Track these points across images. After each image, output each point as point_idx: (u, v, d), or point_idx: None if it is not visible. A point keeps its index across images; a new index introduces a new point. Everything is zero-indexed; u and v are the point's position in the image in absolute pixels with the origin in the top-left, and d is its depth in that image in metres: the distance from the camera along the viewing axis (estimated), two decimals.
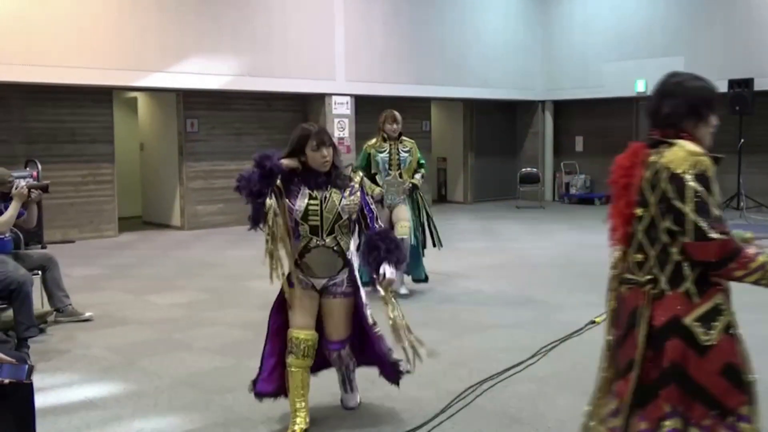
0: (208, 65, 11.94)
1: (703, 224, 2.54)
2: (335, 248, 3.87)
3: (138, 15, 11.16)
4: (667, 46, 14.78)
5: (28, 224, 6.42)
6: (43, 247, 9.69)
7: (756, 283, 2.62)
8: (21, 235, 6.70)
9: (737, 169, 13.87)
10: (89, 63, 10.70)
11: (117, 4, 10.98)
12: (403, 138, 7.42)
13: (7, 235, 5.95)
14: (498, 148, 17.40)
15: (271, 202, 3.69)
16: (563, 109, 17.39)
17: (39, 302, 6.43)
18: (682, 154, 2.64)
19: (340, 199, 3.84)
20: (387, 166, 7.24)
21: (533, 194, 16.63)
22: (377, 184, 7.21)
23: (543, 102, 17.22)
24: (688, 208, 2.57)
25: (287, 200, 3.80)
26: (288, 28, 12.75)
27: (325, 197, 3.82)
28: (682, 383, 2.64)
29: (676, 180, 2.62)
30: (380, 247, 3.83)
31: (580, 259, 9.59)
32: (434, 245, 7.61)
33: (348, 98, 13.67)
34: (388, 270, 3.83)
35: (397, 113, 7.39)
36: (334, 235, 3.85)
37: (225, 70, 12.15)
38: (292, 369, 3.84)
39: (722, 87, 13.73)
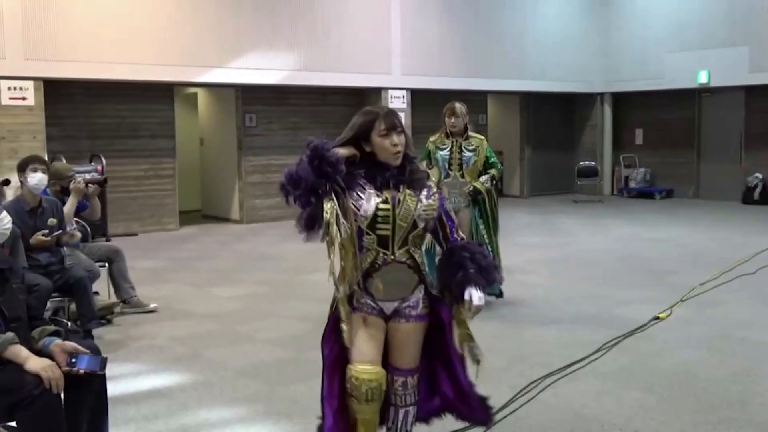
0: (265, 61, 12.04)
1: None
2: (409, 263, 3.06)
3: (197, 12, 11.30)
4: (730, 36, 14.43)
5: (92, 217, 6.58)
6: (108, 240, 9.90)
7: None
8: (88, 229, 6.82)
9: None
10: (150, 60, 10.88)
11: (176, 2, 11.13)
12: (470, 134, 6.58)
13: (71, 227, 6.06)
14: (555, 142, 17.20)
15: (332, 203, 2.84)
16: (622, 101, 17.12)
17: (106, 293, 6.62)
18: None
19: (416, 203, 2.98)
20: (447, 165, 6.47)
21: (591, 188, 16.42)
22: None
23: (602, 94, 16.96)
24: None
25: (350, 203, 2.94)
26: (344, 22, 12.78)
27: (398, 200, 2.97)
28: None
29: None
30: (468, 265, 3.00)
31: (640, 254, 9.46)
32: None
33: (404, 92, 13.66)
34: (476, 295, 2.96)
35: (459, 105, 6.46)
36: (406, 248, 3.04)
37: (282, 65, 12.24)
38: (358, 416, 3.04)
39: None
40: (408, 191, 2.98)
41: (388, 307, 3.05)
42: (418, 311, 3.07)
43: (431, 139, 6.71)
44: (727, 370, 4.92)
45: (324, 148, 2.83)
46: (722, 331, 5.85)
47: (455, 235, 3.15)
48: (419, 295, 3.09)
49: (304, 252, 9.81)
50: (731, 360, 5.16)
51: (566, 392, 4.48)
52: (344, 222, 2.85)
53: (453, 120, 6.42)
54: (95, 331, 5.81)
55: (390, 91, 13.51)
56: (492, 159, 6.63)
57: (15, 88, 10.02)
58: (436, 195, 3.09)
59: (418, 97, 13.84)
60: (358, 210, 2.91)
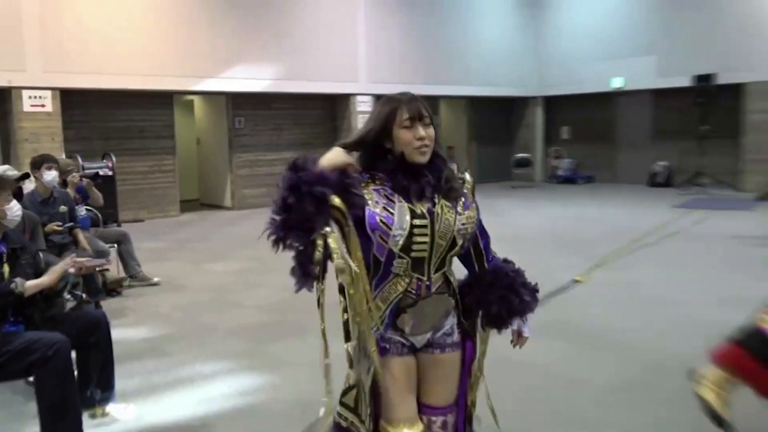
0: (251, 71, 11.97)
1: None
2: (447, 291, 2.11)
3: (193, 30, 11.20)
4: (640, 47, 14.60)
5: (96, 204, 6.55)
6: (119, 225, 9.79)
7: None
8: (99, 216, 6.78)
9: (701, 151, 13.74)
10: (152, 72, 10.80)
11: (175, 22, 11.02)
12: None
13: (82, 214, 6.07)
14: (496, 137, 17.29)
15: (332, 238, 1.84)
16: (552, 103, 17.24)
17: (115, 270, 6.56)
18: None
19: (455, 216, 2.02)
20: None
21: (526, 176, 16.56)
22: None
23: (534, 98, 17.07)
24: None
25: (369, 216, 1.94)
26: (318, 39, 12.72)
27: (436, 213, 1.99)
28: None
29: None
30: (515, 292, 2.16)
31: (565, 228, 9.59)
32: None
33: (369, 97, 13.63)
34: (525, 328, 2.21)
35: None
36: (443, 271, 2.07)
37: (266, 75, 12.17)
38: None
39: (688, 82, 13.61)
40: (444, 202, 2.01)
41: (420, 339, 2.09)
42: (454, 338, 2.15)
43: None
44: (634, 322, 5.04)
45: (301, 177, 1.83)
46: (629, 291, 5.98)
47: (491, 254, 2.26)
48: (453, 320, 2.15)
49: None
50: (637, 313, 5.28)
51: (501, 344, 4.53)
52: (349, 261, 1.86)
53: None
54: (108, 301, 5.81)
55: (357, 96, 13.50)
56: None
57: (35, 97, 9.88)
58: (474, 205, 2.14)
59: None
60: (389, 228, 1.92)
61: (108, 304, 5.71)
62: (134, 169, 11.55)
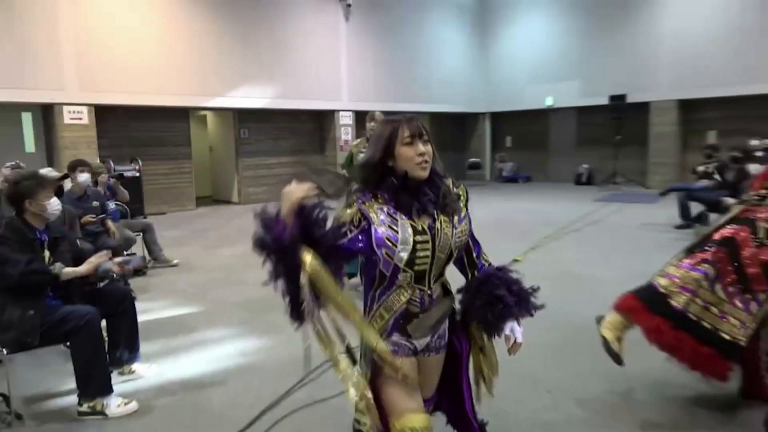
0: (253, 91, 11.83)
1: None
2: (446, 297, 1.94)
3: (204, 57, 11.04)
4: (567, 73, 14.70)
5: (122, 199, 6.45)
6: (144, 217, 9.64)
7: None
8: (128, 209, 6.66)
9: (615, 156, 13.91)
10: (172, 91, 10.62)
11: (190, 50, 10.84)
12: None
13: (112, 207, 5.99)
14: (453, 145, 17.30)
15: (312, 267, 1.65)
16: (497, 117, 17.29)
17: (141, 253, 6.46)
18: None
19: (452, 230, 1.84)
20: None
21: (477, 176, 16.63)
22: None
23: (484, 113, 17.13)
24: None
25: (375, 235, 1.75)
26: (308, 64, 12.59)
27: (435, 228, 1.81)
28: (732, 252, 2.57)
29: None
30: (506, 297, 1.92)
31: (508, 218, 9.62)
32: None
33: (350, 113, 13.57)
34: (518, 331, 1.93)
35: (378, 112, 5.02)
36: (441, 280, 1.91)
37: (265, 94, 12.02)
38: None
39: (605, 101, 13.74)
40: (443, 217, 1.81)
41: (422, 342, 1.92)
42: (444, 341, 1.97)
43: (353, 143, 5.42)
44: (563, 293, 5.06)
45: (268, 245, 1.69)
46: (559, 268, 6.00)
47: (482, 261, 2.02)
48: (446, 324, 1.97)
49: None
50: (564, 287, 5.31)
51: None
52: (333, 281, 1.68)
53: (371, 123, 5.09)
54: (136, 280, 5.70)
55: (341, 112, 13.41)
56: None
57: (73, 111, 9.66)
58: (467, 217, 1.92)
59: (361, 116, 13.76)
60: (395, 245, 1.73)
61: (135, 282, 5.60)
62: (157, 171, 11.36)
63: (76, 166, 5.34)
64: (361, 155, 4.78)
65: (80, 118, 9.74)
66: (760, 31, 11.65)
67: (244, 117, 12.56)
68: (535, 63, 15.39)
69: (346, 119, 13.50)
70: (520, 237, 7.75)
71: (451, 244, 1.82)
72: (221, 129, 13.29)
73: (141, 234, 6.36)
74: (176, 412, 3.02)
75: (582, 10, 14.40)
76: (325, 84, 12.99)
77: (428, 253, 1.78)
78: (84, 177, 5.33)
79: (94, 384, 2.90)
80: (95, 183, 5.90)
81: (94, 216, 5.29)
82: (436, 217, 1.79)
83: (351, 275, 4.87)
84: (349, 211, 1.75)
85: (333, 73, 13.15)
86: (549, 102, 15.15)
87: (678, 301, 2.62)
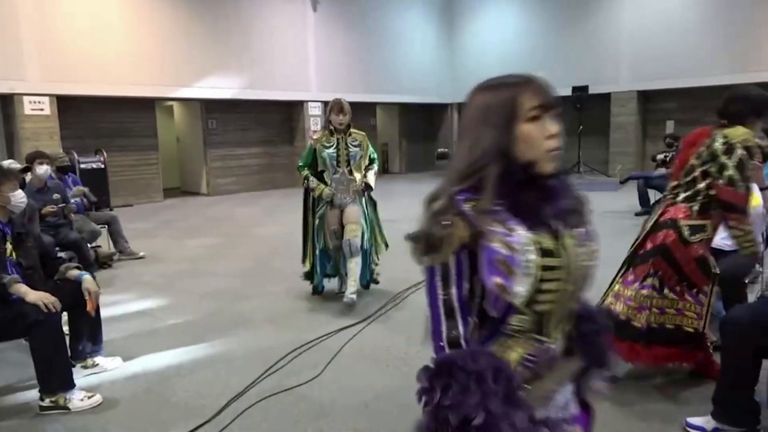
0: (220, 82, 11.62)
1: (736, 177, 2.58)
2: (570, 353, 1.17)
3: (172, 45, 10.79)
4: (532, 64, 14.81)
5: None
6: (110, 210, 9.42)
7: (736, 240, 2.69)
8: (90, 202, 6.43)
9: (578, 146, 14.15)
10: (137, 81, 10.37)
11: (156, 39, 10.58)
12: (352, 131, 4.47)
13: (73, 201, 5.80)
14: (422, 136, 17.35)
15: None
16: (464, 108, 17.34)
17: (106, 246, 6.32)
18: (740, 132, 2.66)
19: (580, 249, 1.10)
20: (335, 162, 4.37)
21: (446, 166, 16.64)
22: (325, 183, 4.39)
23: (451, 104, 17.19)
24: (731, 164, 2.59)
25: (491, 254, 1.03)
26: (275, 54, 12.43)
27: (566, 247, 1.08)
28: (666, 258, 2.70)
29: (728, 146, 2.63)
30: (595, 344, 1.19)
31: None
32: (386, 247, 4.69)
33: (319, 103, 13.43)
34: (602, 383, 1.24)
35: (344, 102, 4.43)
36: (563, 326, 1.14)
37: (233, 85, 11.83)
38: None
39: (567, 92, 13.94)
40: (567, 231, 1.11)
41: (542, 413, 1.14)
42: (574, 411, 1.22)
43: (314, 137, 4.59)
44: None
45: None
46: None
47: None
48: (572, 387, 1.22)
49: (250, 214, 9.69)
50: None
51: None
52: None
53: (341, 117, 4.38)
54: (101, 272, 5.58)
55: (309, 103, 13.29)
56: (373, 154, 4.58)
57: (35, 102, 9.35)
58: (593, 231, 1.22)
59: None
60: (513, 272, 1.03)
61: (100, 274, 5.47)
62: (123, 162, 11.07)
63: (35, 157, 5.18)
64: (326, 152, 4.34)
65: (42, 109, 9.43)
66: (715, 26, 11.96)
67: (211, 107, 12.34)
68: (502, 55, 15.47)
69: (314, 110, 13.38)
70: None
71: (586, 273, 1.14)
72: (188, 119, 13.03)
73: (106, 227, 6.21)
74: (142, 405, 2.97)
75: (547, 3, 14.54)
76: (294, 74, 12.85)
77: (558, 285, 1.07)
78: (43, 169, 5.16)
79: (55, 378, 2.83)
80: (58, 170, 5.76)
81: (54, 206, 5.12)
82: (559, 231, 1.09)
83: (328, 276, 4.71)
84: (458, 227, 1.06)
85: (301, 63, 13.00)
86: None
87: (640, 321, 2.74)
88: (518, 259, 1.03)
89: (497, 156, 1.09)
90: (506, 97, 1.12)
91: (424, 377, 1.02)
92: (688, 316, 2.75)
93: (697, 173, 2.74)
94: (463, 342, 1.05)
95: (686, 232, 2.69)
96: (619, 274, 2.87)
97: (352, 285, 4.39)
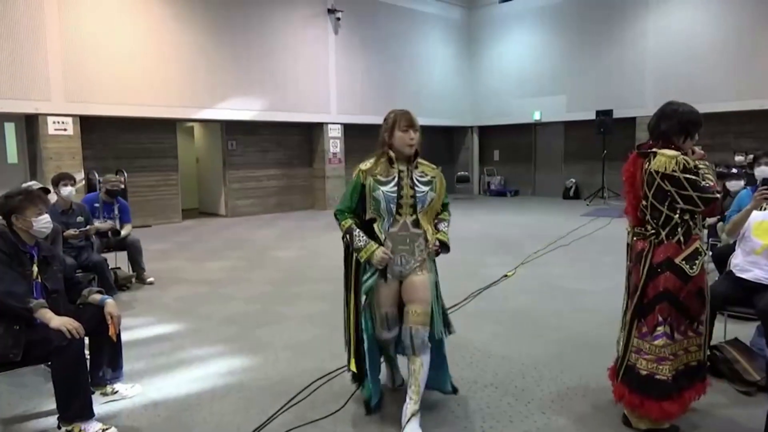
0: (242, 103, 11.77)
1: (706, 195, 2.59)
2: None
3: (192, 69, 10.98)
4: (554, 88, 14.84)
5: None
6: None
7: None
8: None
9: (602, 171, 14.02)
10: (159, 102, 10.54)
11: (178, 62, 10.77)
12: (420, 161, 2.98)
13: (100, 221, 5.85)
14: (441, 159, 17.33)
15: None
16: (485, 131, 17.40)
17: (126, 269, 6.35)
18: (665, 159, 2.62)
19: None
20: (394, 206, 2.87)
21: (466, 190, 16.67)
22: (377, 240, 2.88)
23: (471, 127, 17.22)
24: (691, 192, 2.59)
25: None
26: (298, 77, 12.59)
27: None
28: (672, 302, 2.66)
29: (669, 177, 2.61)
30: None
31: (497, 232, 9.64)
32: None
33: (339, 125, 13.55)
34: None
35: (414, 115, 2.95)
36: None
37: (254, 106, 11.98)
38: None
39: (591, 116, 13.87)
40: None
41: None
42: None
43: (364, 167, 2.92)
44: (550, 308, 5.06)
45: None
46: (547, 282, 6.00)
47: None
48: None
49: (270, 236, 9.71)
50: (553, 301, 5.30)
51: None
52: None
53: (411, 134, 2.87)
54: (120, 295, 5.60)
55: (329, 125, 13.39)
56: (446, 198, 3.11)
57: (58, 122, 9.54)
58: None
59: (349, 128, 13.77)
60: None
61: (119, 298, 5.51)
62: (143, 183, 11.23)
63: (60, 179, 5.25)
64: (382, 190, 2.79)
65: (65, 129, 9.62)
66: (739, 51, 11.87)
67: (231, 128, 12.49)
68: (522, 78, 15.52)
69: (334, 132, 13.49)
70: (510, 251, 7.74)
71: None
72: (208, 140, 13.20)
73: (127, 249, 6.24)
74: None
75: (569, 27, 14.58)
76: (314, 96, 12.98)
77: None
78: (68, 190, 5.23)
79: (74, 407, 2.80)
80: (107, 193, 5.87)
81: (76, 230, 5.18)
82: None
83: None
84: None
85: (322, 85, 13.14)
86: (536, 116, 15.26)
87: (664, 374, 2.68)
88: None
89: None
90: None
91: None
92: (692, 351, 2.75)
93: (663, 209, 2.67)
94: None
95: (686, 268, 2.65)
96: (634, 327, 2.79)
97: (413, 401, 2.76)
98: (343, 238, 2.92)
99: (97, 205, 5.91)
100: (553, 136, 15.92)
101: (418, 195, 2.87)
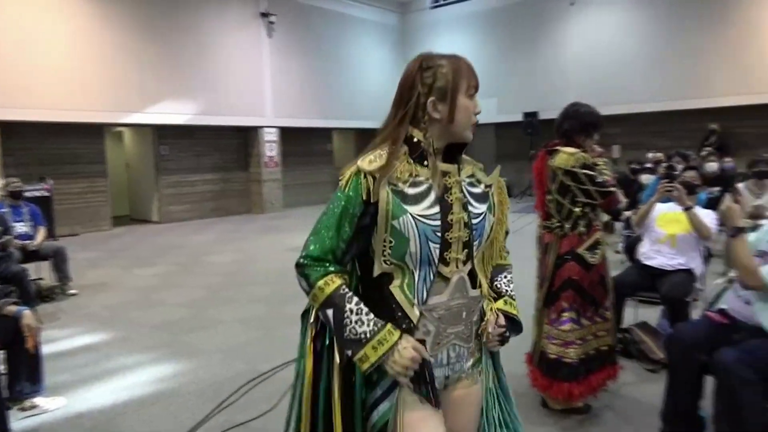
0: (174, 107, 11.44)
1: (603, 189, 2.72)
2: None
3: (122, 70, 10.56)
4: (486, 91, 15.11)
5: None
6: (55, 240, 9.05)
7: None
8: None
9: (530, 170, 14.51)
10: (85, 107, 10.08)
11: (105, 64, 10.34)
12: (465, 157, 1.55)
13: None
14: None
15: None
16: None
17: (49, 279, 6.05)
18: (566, 156, 2.75)
19: None
20: (438, 247, 1.33)
21: None
22: (396, 319, 1.32)
23: None
24: (589, 186, 2.73)
25: None
26: (230, 79, 12.36)
27: None
28: (576, 290, 2.80)
29: (571, 173, 2.75)
30: None
31: None
32: None
33: (275, 129, 13.40)
34: None
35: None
36: None
37: (187, 110, 11.66)
38: None
39: (519, 117, 14.36)
40: None
41: None
42: None
43: (368, 166, 1.47)
44: None
45: None
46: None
47: None
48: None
49: (204, 242, 9.49)
50: None
51: None
52: None
53: (478, 104, 1.52)
54: (43, 306, 5.33)
55: (265, 128, 13.22)
56: (508, 225, 1.77)
57: None
58: None
59: (286, 132, 13.64)
60: None
61: (43, 309, 5.25)
62: (70, 190, 10.69)
63: None
64: (414, 211, 1.36)
65: None
66: (653, 56, 12.63)
67: (164, 133, 12.11)
68: None
69: (270, 135, 13.33)
70: None
71: None
72: (139, 146, 12.74)
73: (52, 258, 5.94)
74: None
75: (498, 32, 15.04)
76: (249, 100, 12.78)
77: None
78: None
79: None
80: (10, 195, 5.55)
81: None
82: None
83: None
84: None
85: (256, 89, 12.96)
86: None
87: (570, 357, 2.82)
88: None
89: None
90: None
91: None
92: (601, 336, 2.90)
93: (565, 203, 2.83)
94: None
95: (588, 257, 2.81)
96: (545, 315, 2.94)
97: None
98: (314, 316, 1.44)
99: (4, 210, 5.58)
100: (484, 136, 16.33)
101: (473, 222, 1.47)
